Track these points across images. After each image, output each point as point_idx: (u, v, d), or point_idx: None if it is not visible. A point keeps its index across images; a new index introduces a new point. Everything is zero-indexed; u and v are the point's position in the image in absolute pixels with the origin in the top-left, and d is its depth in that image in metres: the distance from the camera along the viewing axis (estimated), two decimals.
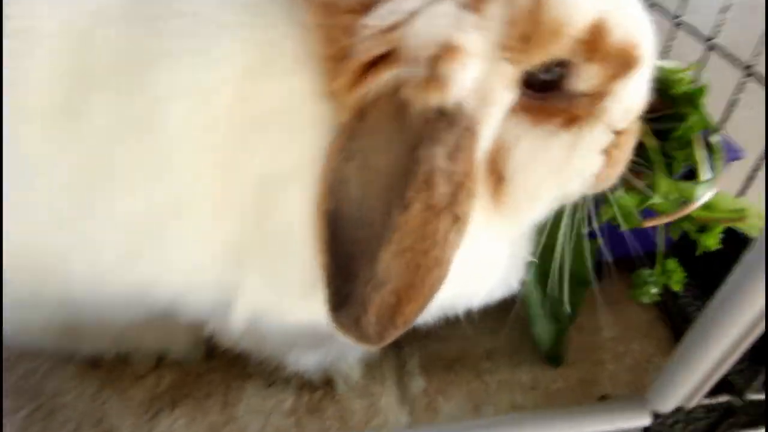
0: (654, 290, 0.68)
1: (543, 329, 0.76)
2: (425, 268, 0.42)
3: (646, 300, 0.70)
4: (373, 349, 0.53)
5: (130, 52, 0.45)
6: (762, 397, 0.64)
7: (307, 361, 0.67)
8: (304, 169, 0.43)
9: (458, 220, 0.42)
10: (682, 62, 0.69)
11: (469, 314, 0.63)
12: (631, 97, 0.46)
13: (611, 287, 0.90)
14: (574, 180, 0.49)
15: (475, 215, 0.45)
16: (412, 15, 0.39)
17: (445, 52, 0.38)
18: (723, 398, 0.63)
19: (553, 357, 0.79)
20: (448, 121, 0.40)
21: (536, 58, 0.42)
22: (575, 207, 0.56)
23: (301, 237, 0.44)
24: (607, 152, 0.49)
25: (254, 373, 0.77)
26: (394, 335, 0.44)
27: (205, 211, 0.46)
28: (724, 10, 0.74)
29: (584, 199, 0.55)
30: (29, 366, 0.77)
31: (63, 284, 0.52)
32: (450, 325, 0.84)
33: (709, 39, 0.77)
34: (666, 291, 0.77)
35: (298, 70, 0.43)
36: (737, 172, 0.84)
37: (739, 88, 0.73)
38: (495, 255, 0.55)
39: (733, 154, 0.79)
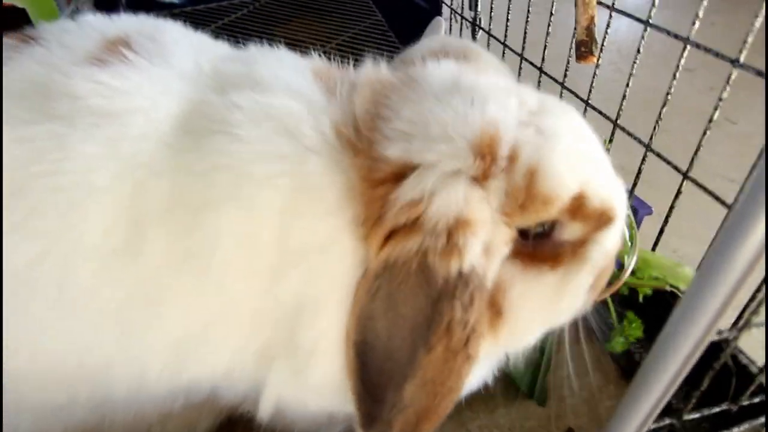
0: (622, 341, 0.82)
1: (522, 377, 0.89)
2: (442, 395, 0.50)
3: (618, 350, 0.84)
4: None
5: (180, 201, 0.52)
6: (697, 415, 0.78)
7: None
8: (335, 297, 0.52)
9: (470, 358, 0.50)
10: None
11: None
12: (609, 242, 0.57)
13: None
14: (564, 314, 0.59)
15: (484, 343, 0.54)
16: (432, 193, 0.48)
17: (460, 224, 0.48)
18: (666, 421, 0.77)
19: (539, 397, 0.90)
20: (465, 281, 0.48)
21: (530, 221, 0.53)
22: None
23: (327, 351, 0.53)
24: (591, 287, 0.58)
25: None
26: None
27: (245, 325, 0.54)
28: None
29: None
30: None
31: (103, 391, 0.56)
32: None
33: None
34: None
35: (335, 212, 0.51)
36: (650, 225, 1.03)
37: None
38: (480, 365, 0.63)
39: (644, 210, 0.97)
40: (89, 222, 0.51)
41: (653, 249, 0.93)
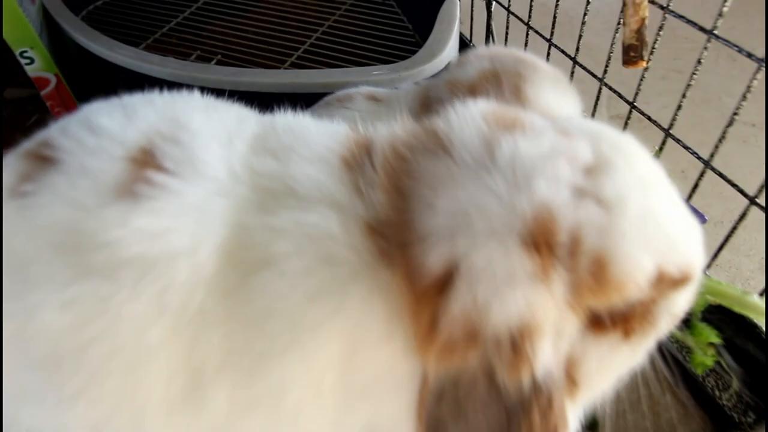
0: (705, 356, 0.82)
1: None
2: None
3: (708, 363, 0.83)
4: None
5: (237, 350, 0.49)
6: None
7: None
8: (404, 417, 0.49)
9: None
10: None
11: None
12: (680, 306, 0.53)
13: None
14: (633, 370, 0.56)
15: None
16: (486, 302, 0.43)
17: (524, 332, 0.43)
18: None
19: None
20: (539, 387, 0.44)
21: (601, 305, 0.48)
22: None
23: None
24: None
25: None
26: None
27: None
28: None
29: None
30: None
31: None
32: None
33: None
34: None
35: (386, 339, 0.48)
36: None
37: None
38: None
39: (697, 219, 0.93)
40: (150, 380, 0.49)
41: (710, 265, 0.91)
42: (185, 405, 0.49)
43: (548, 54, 1.12)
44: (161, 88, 0.64)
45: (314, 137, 0.57)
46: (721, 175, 0.81)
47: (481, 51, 0.82)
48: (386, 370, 0.48)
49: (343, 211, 0.50)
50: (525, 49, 1.18)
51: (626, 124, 1.00)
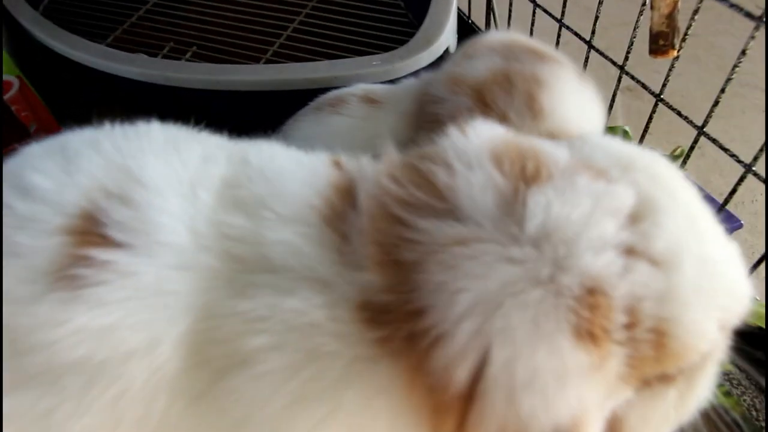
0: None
1: None
2: None
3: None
4: None
5: None
6: None
7: None
8: None
9: None
10: None
11: None
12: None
13: None
14: (693, 413, 0.49)
15: None
16: (533, 412, 0.35)
17: (573, 428, 0.36)
18: None
19: None
20: None
21: (656, 372, 0.41)
22: None
23: None
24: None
25: None
26: None
27: None
28: None
29: None
30: None
31: None
32: None
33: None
34: None
35: None
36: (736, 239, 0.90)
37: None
38: None
39: (733, 224, 0.84)
40: None
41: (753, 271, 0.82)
42: None
43: (558, 37, 1.00)
44: (130, 89, 0.54)
45: (290, 185, 0.47)
46: (714, 141, 0.74)
47: (493, 39, 0.70)
48: None
49: (329, 290, 0.40)
50: (531, 30, 1.06)
51: (615, 94, 0.90)
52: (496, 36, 0.72)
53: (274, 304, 0.40)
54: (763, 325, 0.73)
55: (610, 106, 0.97)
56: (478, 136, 0.44)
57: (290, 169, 0.49)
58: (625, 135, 0.87)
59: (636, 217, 0.39)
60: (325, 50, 1.26)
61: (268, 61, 1.25)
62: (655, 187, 0.42)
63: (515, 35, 0.72)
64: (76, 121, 0.55)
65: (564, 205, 0.38)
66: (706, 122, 0.76)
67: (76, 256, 0.41)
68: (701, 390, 0.47)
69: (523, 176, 0.40)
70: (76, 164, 0.47)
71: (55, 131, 0.61)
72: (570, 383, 0.35)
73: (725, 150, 0.74)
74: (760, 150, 0.68)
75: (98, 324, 0.40)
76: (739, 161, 0.73)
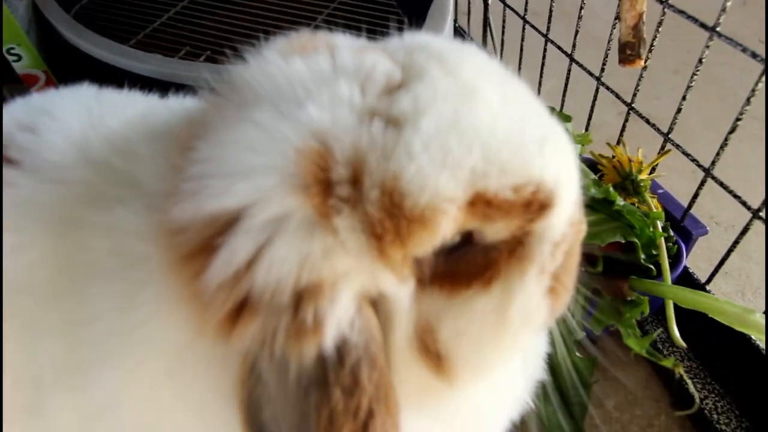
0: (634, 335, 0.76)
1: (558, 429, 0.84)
2: None
3: (642, 347, 0.77)
4: None
5: (69, 362, 0.45)
6: None
7: None
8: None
9: None
10: None
11: None
12: (557, 230, 0.42)
13: (603, 357, 0.99)
14: (521, 332, 0.44)
15: (433, 397, 0.46)
16: (250, 259, 0.34)
17: (303, 292, 0.34)
18: None
19: None
20: (336, 360, 0.36)
21: (417, 251, 0.37)
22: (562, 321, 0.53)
23: None
24: (550, 290, 0.44)
25: None
26: None
27: None
28: None
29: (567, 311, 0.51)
30: None
31: None
32: None
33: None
34: (655, 352, 0.86)
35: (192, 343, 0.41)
36: (704, 245, 0.93)
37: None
38: (484, 407, 0.53)
39: (699, 230, 0.87)
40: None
41: (710, 280, 0.85)
42: (33, 417, 0.47)
43: (545, 50, 1.05)
44: (144, 86, 0.61)
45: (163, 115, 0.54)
46: (722, 185, 0.75)
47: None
48: (217, 374, 0.40)
49: (146, 196, 0.44)
50: (522, 44, 1.12)
51: (624, 126, 0.94)
52: None
53: (115, 214, 0.45)
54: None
55: (589, 117, 1.02)
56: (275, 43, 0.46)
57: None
58: (565, 118, 0.88)
59: (395, 87, 0.39)
60: None
61: None
62: (433, 63, 0.40)
63: None
64: None
65: (302, 70, 0.39)
66: (713, 164, 0.76)
67: None
68: (521, 304, 0.42)
69: (297, 51, 0.42)
70: (7, 110, 0.56)
71: None
72: (287, 233, 0.35)
73: (734, 195, 0.74)
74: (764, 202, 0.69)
75: None
76: (746, 205, 0.73)
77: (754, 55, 0.64)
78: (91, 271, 0.45)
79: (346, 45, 0.43)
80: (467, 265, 0.40)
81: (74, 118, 0.53)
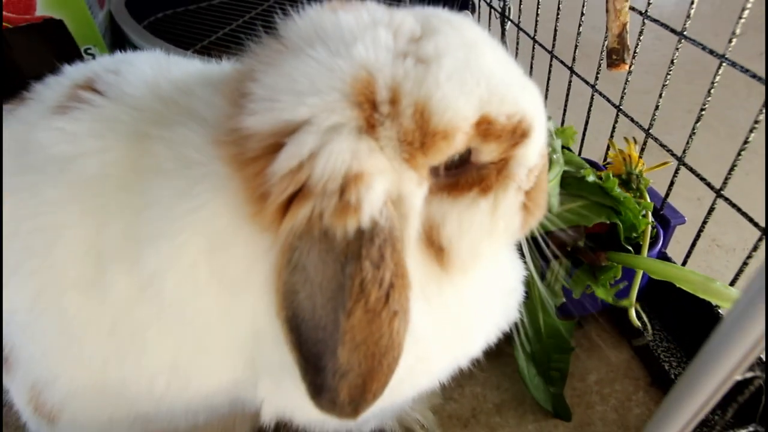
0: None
1: (542, 396, 0.91)
2: (380, 354, 0.49)
3: (611, 300, 0.86)
4: (352, 421, 0.58)
5: (128, 239, 0.55)
6: None
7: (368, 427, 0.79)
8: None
9: (397, 314, 0.48)
10: None
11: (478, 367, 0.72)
12: (531, 158, 0.55)
13: (590, 335, 1.06)
14: (502, 235, 0.57)
15: (434, 282, 0.55)
16: (313, 153, 0.45)
17: (351, 180, 0.45)
18: None
19: (561, 413, 0.93)
20: (368, 237, 0.46)
21: (436, 159, 0.50)
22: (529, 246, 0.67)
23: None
24: (524, 206, 0.57)
25: None
26: (368, 407, 0.52)
27: (219, 343, 0.57)
28: None
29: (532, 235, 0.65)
30: None
31: (129, 407, 0.63)
32: (461, 386, 0.98)
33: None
34: (638, 336, 0.94)
35: (240, 228, 0.50)
36: (681, 235, 1.01)
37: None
38: (475, 301, 0.63)
39: (677, 219, 0.96)
40: (64, 259, 0.57)
41: (684, 263, 0.93)
42: (94, 288, 0.56)
43: (569, 81, 1.15)
44: None
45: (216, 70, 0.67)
46: (732, 204, 0.80)
47: None
48: (251, 261, 0.51)
49: (206, 122, 0.55)
50: (530, 69, 1.24)
51: (642, 150, 1.00)
52: None
53: (164, 136, 0.56)
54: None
55: (586, 123, 1.14)
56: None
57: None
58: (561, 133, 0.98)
59: (417, 39, 0.50)
60: None
61: None
62: (444, 24, 0.52)
63: None
64: None
65: (350, 19, 0.51)
66: (724, 185, 0.81)
67: (73, 94, 0.62)
68: (504, 211, 0.55)
69: (338, 7, 0.54)
70: (95, 61, 0.70)
71: None
72: (342, 134, 0.46)
73: (747, 217, 0.79)
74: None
75: (73, 129, 0.59)
76: (755, 224, 0.78)
77: (763, 80, 0.69)
78: (154, 170, 0.56)
79: (376, 6, 0.56)
80: (466, 178, 0.53)
81: (148, 67, 0.67)
